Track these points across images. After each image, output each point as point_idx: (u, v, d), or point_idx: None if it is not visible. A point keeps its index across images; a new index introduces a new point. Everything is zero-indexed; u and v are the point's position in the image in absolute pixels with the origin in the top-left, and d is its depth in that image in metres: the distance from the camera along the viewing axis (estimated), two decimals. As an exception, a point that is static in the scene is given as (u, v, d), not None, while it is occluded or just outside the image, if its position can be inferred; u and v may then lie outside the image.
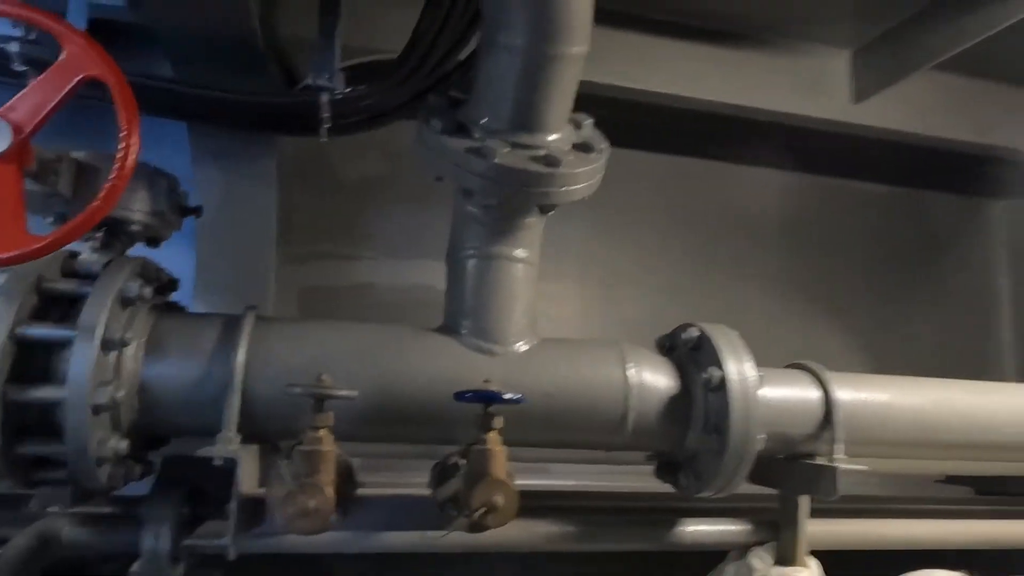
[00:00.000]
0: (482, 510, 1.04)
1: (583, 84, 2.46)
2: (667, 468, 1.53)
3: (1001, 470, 2.02)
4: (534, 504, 1.57)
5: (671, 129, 2.92)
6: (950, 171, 3.24)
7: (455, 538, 1.29)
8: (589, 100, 2.53)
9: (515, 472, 1.15)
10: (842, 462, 1.42)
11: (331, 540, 1.29)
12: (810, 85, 2.67)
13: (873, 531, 1.64)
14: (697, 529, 1.55)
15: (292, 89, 1.93)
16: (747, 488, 1.63)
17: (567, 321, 3.04)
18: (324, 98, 1.74)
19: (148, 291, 1.24)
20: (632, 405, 1.38)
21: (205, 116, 1.88)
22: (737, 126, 2.73)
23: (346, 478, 1.10)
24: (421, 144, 1.34)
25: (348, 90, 1.81)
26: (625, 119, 2.85)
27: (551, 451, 1.67)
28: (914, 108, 2.74)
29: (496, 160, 1.24)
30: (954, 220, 3.57)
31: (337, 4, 1.70)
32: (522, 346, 1.39)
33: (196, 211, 1.51)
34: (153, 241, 1.41)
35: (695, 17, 2.50)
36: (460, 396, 1.13)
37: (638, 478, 1.76)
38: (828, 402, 1.48)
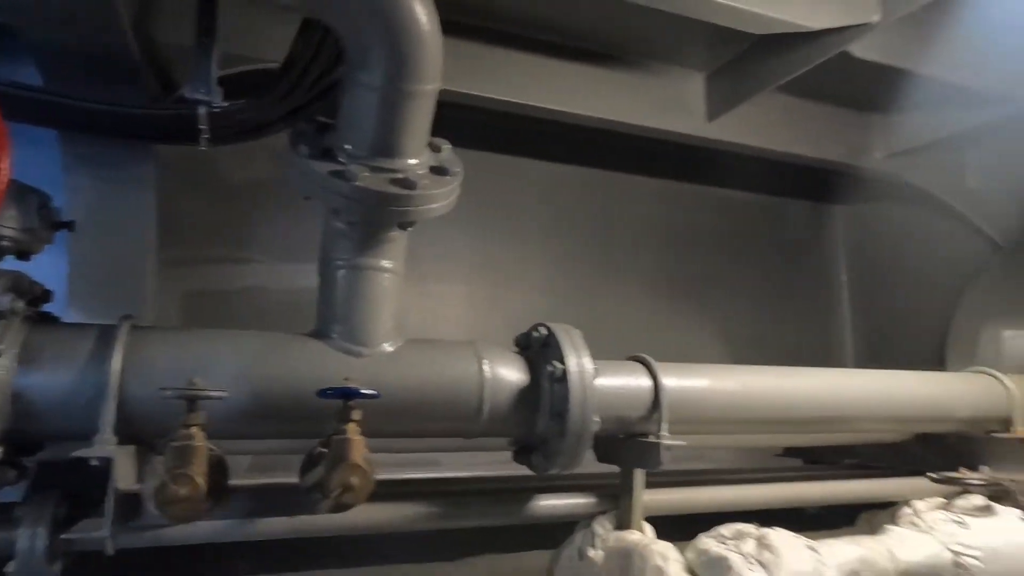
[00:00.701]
0: (339, 491, 1.19)
1: (473, 97, 2.63)
2: (523, 451, 1.73)
3: (810, 441, 2.37)
4: (403, 490, 1.75)
5: (552, 139, 3.15)
6: (797, 181, 3.65)
7: (325, 521, 1.44)
8: (478, 111, 2.71)
9: (375, 461, 1.31)
10: (666, 439, 1.68)
11: (208, 531, 1.40)
12: (670, 104, 2.96)
13: (699, 497, 1.91)
14: (549, 503, 1.77)
15: (169, 98, 1.95)
16: (598, 467, 1.88)
17: (455, 321, 3.22)
18: (202, 111, 1.79)
19: (20, 304, 1.30)
20: (486, 396, 1.57)
21: (77, 125, 1.87)
22: (609, 138, 2.98)
23: (217, 470, 1.22)
24: (291, 167, 1.47)
25: (227, 104, 1.87)
26: (511, 129, 3.07)
27: (441, 443, 1.85)
28: (759, 125, 3.09)
29: (357, 183, 1.39)
30: (803, 224, 4.03)
31: (214, 19, 1.74)
32: (388, 347, 1.55)
33: (68, 225, 1.55)
34: (23, 255, 1.46)
35: (572, 38, 2.72)
36: (323, 393, 1.28)
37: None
38: (656, 388, 1.73)
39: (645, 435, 1.75)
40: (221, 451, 1.26)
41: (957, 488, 1.89)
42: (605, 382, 1.71)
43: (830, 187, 3.72)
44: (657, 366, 1.77)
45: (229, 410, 1.32)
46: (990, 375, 2.20)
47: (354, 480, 1.20)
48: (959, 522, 1.72)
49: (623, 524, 1.74)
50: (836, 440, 2.46)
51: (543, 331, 1.70)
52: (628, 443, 1.77)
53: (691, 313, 3.48)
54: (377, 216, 1.45)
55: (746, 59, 2.77)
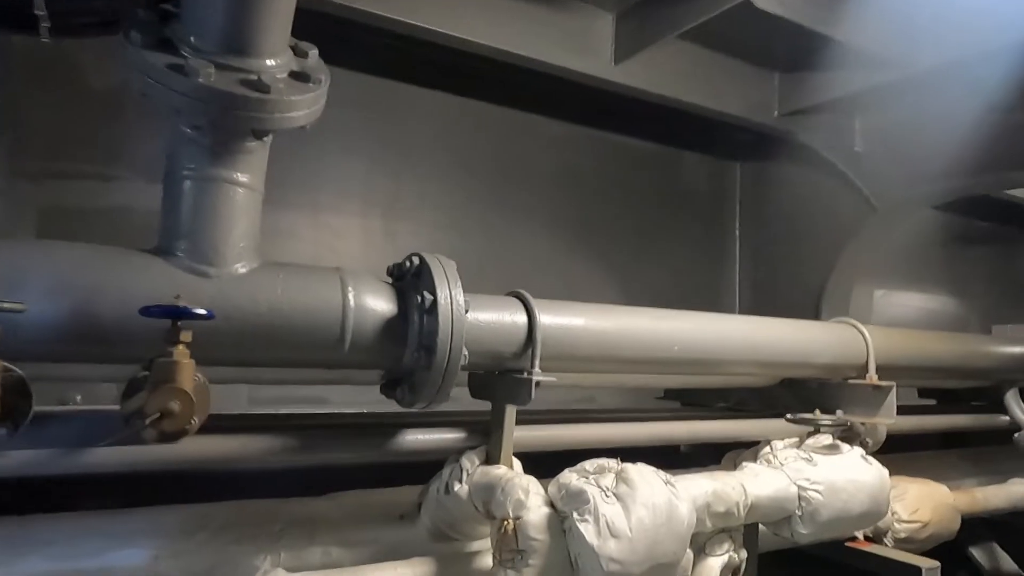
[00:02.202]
0: (156, 416, 1.09)
1: (362, 14, 2.44)
2: (390, 385, 1.67)
3: (686, 383, 2.45)
4: (257, 424, 1.66)
5: (454, 71, 3.01)
6: (698, 134, 3.70)
7: (160, 452, 1.34)
8: (376, 32, 2.53)
9: (210, 388, 1.20)
10: (537, 375, 1.66)
11: (20, 462, 1.26)
12: (577, 42, 2.88)
13: (570, 434, 1.93)
14: (416, 438, 1.73)
15: (1, -23, 1.70)
16: (476, 405, 1.85)
17: (349, 254, 3.10)
18: (36, -7, 1.56)
19: None
20: (349, 325, 1.49)
21: None
22: (513, 73, 2.88)
23: (16, 392, 1.08)
24: (124, 58, 1.29)
25: (68, -13, 1.64)
26: (412, 55, 2.90)
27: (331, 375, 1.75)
28: (665, 73, 3.07)
29: (200, 80, 1.23)
30: (703, 178, 4.11)
31: None
32: (240, 268, 1.42)
33: None
34: None
35: (477, -40, 2.57)
36: (146, 311, 1.15)
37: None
38: (531, 325, 1.70)
39: (519, 371, 1.72)
40: (23, 373, 1.12)
41: (811, 428, 2.00)
42: (480, 316, 1.66)
43: (730, 143, 3.80)
44: (534, 302, 1.73)
45: (40, 328, 1.17)
46: (851, 325, 2.32)
47: (174, 405, 1.10)
48: (807, 459, 1.82)
49: (492, 459, 1.73)
50: (710, 383, 2.55)
51: (415, 260, 1.62)
52: (501, 379, 1.74)
53: (587, 257, 3.50)
54: (225, 121, 1.31)
55: (655, 0, 2.72)
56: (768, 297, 3.94)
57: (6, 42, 2.25)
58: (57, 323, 1.20)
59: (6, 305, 1.04)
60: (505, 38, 2.69)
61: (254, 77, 1.29)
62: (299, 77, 1.38)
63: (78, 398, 2.11)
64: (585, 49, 2.89)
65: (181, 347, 1.15)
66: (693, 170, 4.04)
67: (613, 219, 3.65)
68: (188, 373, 1.14)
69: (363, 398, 2.45)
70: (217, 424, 1.64)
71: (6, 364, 1.06)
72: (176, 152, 1.40)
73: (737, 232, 4.16)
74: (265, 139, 1.41)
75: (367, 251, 3.12)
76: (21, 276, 1.21)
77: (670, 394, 2.92)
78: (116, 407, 1.20)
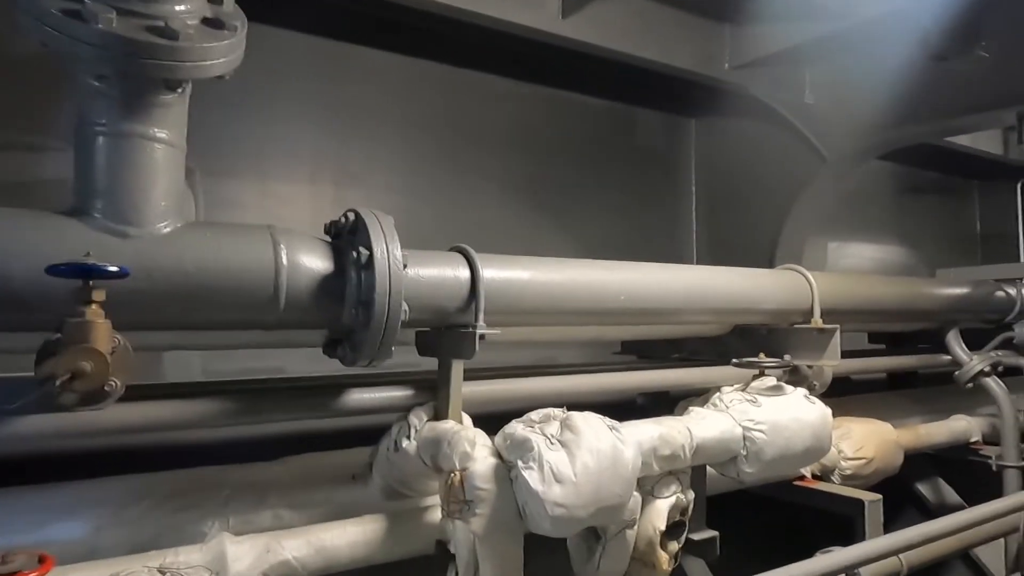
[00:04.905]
0: (67, 376, 1.05)
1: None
2: (331, 344, 1.64)
3: (639, 334, 2.47)
4: (195, 389, 1.62)
5: (399, 28, 2.93)
6: (651, 90, 3.67)
7: (87, 419, 1.30)
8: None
9: (132, 352, 1.16)
10: (481, 328, 1.65)
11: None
12: (523, -6, 2.81)
13: (519, 388, 1.93)
14: (362, 396, 1.71)
15: None
16: (426, 363, 1.83)
17: (297, 221, 3.01)
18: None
19: None
20: (283, 284, 1.45)
21: None
22: (459, 30, 2.81)
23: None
24: (15, 5, 1.21)
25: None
26: (355, 14, 2.80)
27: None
28: (613, 26, 3.04)
29: (99, 26, 1.17)
30: (659, 134, 4.10)
31: None
32: (163, 228, 1.37)
33: None
34: None
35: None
36: (53, 269, 1.10)
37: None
38: (474, 279, 1.68)
39: (465, 326, 1.71)
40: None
41: (756, 372, 2.03)
42: (421, 272, 1.63)
43: (684, 99, 3.79)
44: (477, 257, 1.71)
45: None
46: (797, 271, 2.35)
47: (86, 365, 1.06)
48: (751, 401, 1.85)
49: (440, 415, 1.72)
50: (664, 334, 2.58)
51: (351, 216, 1.58)
52: (446, 334, 1.72)
53: (542, 215, 3.49)
54: (132, 70, 1.24)
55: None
56: (724, 251, 3.98)
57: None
58: (-38, 288, 1.15)
59: None
60: (452, -8, 2.62)
61: (161, 23, 1.23)
62: (212, 24, 1.32)
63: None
64: (532, 3, 2.83)
65: (94, 307, 1.11)
66: (647, 126, 4.03)
67: (568, 177, 3.63)
68: (102, 333, 1.10)
69: (318, 366, 2.43)
70: (162, 391, 1.61)
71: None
72: (85, 106, 1.33)
73: (693, 187, 4.18)
74: (180, 91, 1.34)
75: (316, 218, 3.03)
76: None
77: (627, 348, 2.94)
78: (27, 374, 1.16)
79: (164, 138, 1.37)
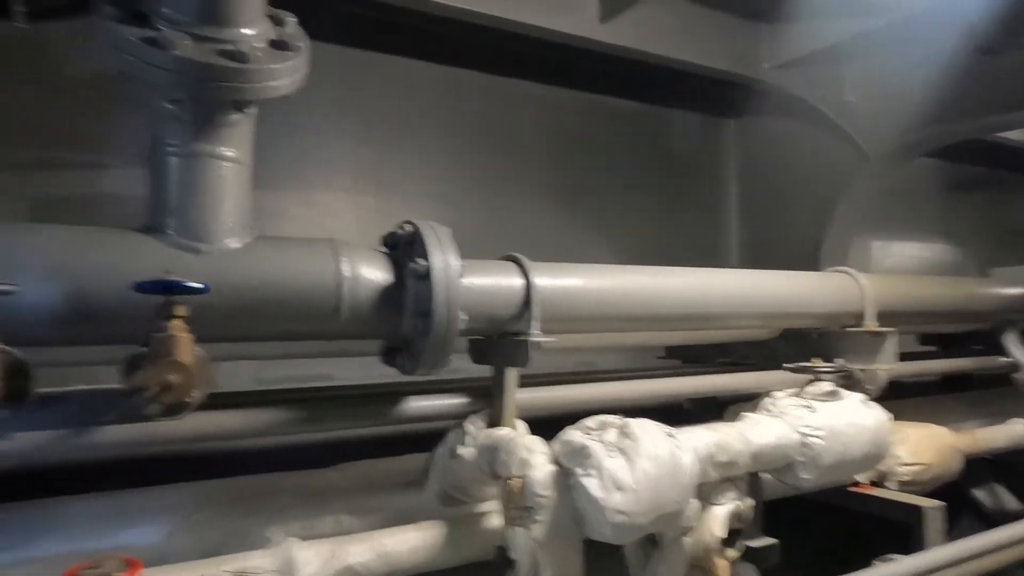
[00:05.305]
0: (157, 389, 1.09)
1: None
2: (390, 353, 1.68)
3: (686, 340, 2.46)
4: (260, 398, 1.67)
5: (436, 39, 2.97)
6: (689, 92, 3.65)
7: (165, 429, 1.34)
8: (354, 2, 2.47)
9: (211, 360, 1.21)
10: (535, 336, 1.66)
11: (26, 446, 1.27)
12: (560, 2, 2.83)
13: (571, 394, 1.95)
14: (420, 404, 1.74)
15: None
16: (479, 371, 1.85)
17: (341, 231, 3.06)
18: (5, -26, 1.54)
19: None
20: (345, 295, 1.49)
21: None
22: (496, 39, 2.84)
23: (15, 374, 1.09)
24: (97, 35, 1.27)
25: (37, -32, 1.62)
26: (393, 26, 2.85)
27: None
28: (652, 30, 3.03)
29: (176, 52, 1.22)
30: (696, 137, 4.07)
31: None
32: (232, 243, 1.42)
33: None
34: None
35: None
36: (140, 287, 1.15)
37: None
38: (528, 287, 1.70)
39: (518, 334, 1.73)
40: (22, 354, 1.12)
41: (810, 377, 2.01)
42: (476, 281, 1.66)
43: (722, 100, 3.76)
44: (530, 265, 1.73)
45: (35, 311, 1.17)
46: (847, 274, 2.32)
47: (173, 378, 1.10)
48: (807, 406, 1.83)
49: (495, 423, 1.74)
50: (710, 339, 2.57)
51: (409, 228, 1.61)
52: (500, 342, 1.74)
53: (581, 220, 3.49)
54: (205, 93, 1.29)
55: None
56: (765, 253, 3.93)
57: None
58: (52, 305, 1.20)
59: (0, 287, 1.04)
60: (487, 2, 2.65)
61: (231, 47, 1.27)
62: (278, 45, 1.36)
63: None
64: (570, 8, 2.85)
65: (176, 321, 1.16)
66: (685, 128, 4.00)
67: (605, 181, 3.62)
68: (186, 346, 1.15)
69: (367, 372, 2.47)
70: (221, 400, 1.66)
71: (3, 346, 1.06)
72: (159, 129, 1.38)
73: (732, 189, 4.13)
74: (248, 111, 1.39)
75: (359, 227, 3.10)
76: (12, 259, 1.20)
77: (672, 353, 2.93)
78: (117, 387, 1.21)
79: (232, 156, 1.41)
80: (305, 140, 2.96)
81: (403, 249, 1.61)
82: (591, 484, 1.46)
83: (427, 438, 1.85)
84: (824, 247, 3.64)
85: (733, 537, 1.75)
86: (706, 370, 2.42)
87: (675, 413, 2.45)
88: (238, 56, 1.26)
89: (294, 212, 2.99)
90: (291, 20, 1.44)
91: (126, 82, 1.36)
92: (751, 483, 1.82)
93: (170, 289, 1.15)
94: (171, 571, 1.35)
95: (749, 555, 1.80)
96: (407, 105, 3.14)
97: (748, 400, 2.23)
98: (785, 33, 3.28)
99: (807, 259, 3.64)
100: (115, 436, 1.35)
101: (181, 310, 1.17)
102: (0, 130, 2.38)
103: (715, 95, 3.63)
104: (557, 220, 3.42)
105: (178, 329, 1.15)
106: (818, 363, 1.99)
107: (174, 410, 1.15)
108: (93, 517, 1.55)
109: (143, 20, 1.25)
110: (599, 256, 3.54)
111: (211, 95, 1.30)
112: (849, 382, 2.24)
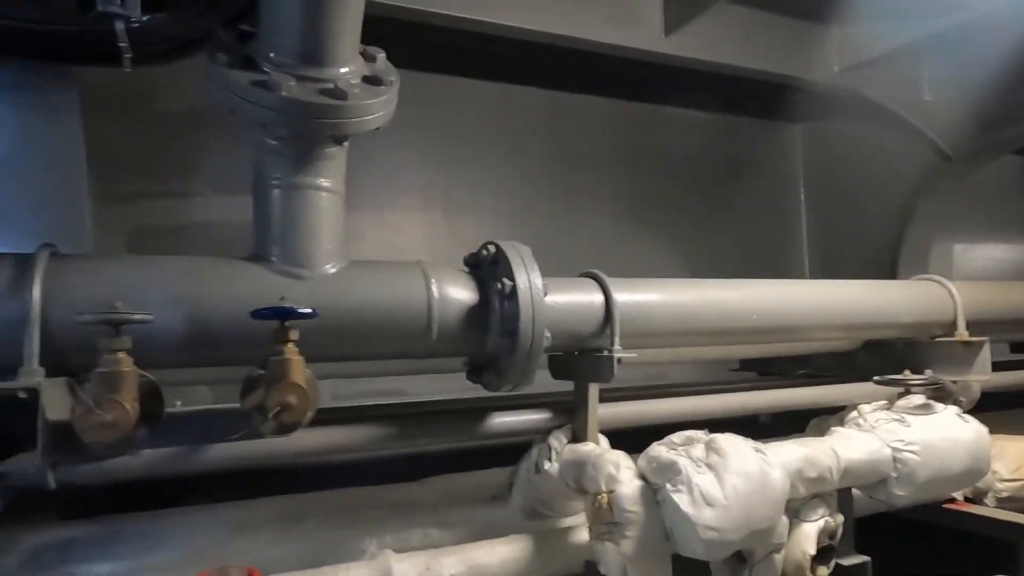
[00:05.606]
0: (277, 410, 1.17)
1: (408, 11, 2.48)
2: (475, 370, 1.72)
3: (763, 352, 2.42)
4: (354, 415, 1.74)
5: (501, 59, 3.03)
6: (754, 99, 3.61)
7: (272, 446, 1.43)
8: (426, 29, 2.56)
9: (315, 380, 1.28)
10: (618, 352, 1.68)
11: (151, 460, 1.37)
12: (624, 16, 2.85)
13: (652, 409, 1.95)
14: (504, 420, 1.78)
15: (86, 15, 1.82)
16: (557, 386, 1.88)
17: (412, 250, 3.16)
18: (120, 26, 1.67)
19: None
20: (435, 315, 1.55)
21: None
22: (560, 55, 2.88)
23: (150, 397, 1.18)
24: (209, 79, 1.37)
25: (146, 18, 1.74)
26: (460, 49, 2.93)
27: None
28: (716, 39, 3.01)
29: (283, 93, 1.30)
30: (762, 143, 4.00)
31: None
32: (330, 269, 1.50)
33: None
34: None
35: (517, -54, 2.57)
36: (257, 313, 1.23)
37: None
38: (608, 303, 1.72)
39: (599, 350, 1.75)
40: (155, 378, 1.21)
41: (900, 390, 1.95)
42: (557, 299, 1.69)
43: (789, 105, 3.69)
44: (609, 281, 1.75)
45: (161, 337, 1.27)
46: (936, 282, 2.25)
47: (292, 399, 1.18)
48: (899, 420, 1.78)
49: (579, 437, 1.77)
50: (789, 351, 2.51)
51: (492, 249, 1.66)
52: (582, 358, 1.77)
53: (648, 233, 3.48)
54: (307, 129, 1.38)
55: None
56: (837, 261, 3.83)
57: (84, 74, 2.39)
58: (176, 331, 1.30)
59: (136, 316, 1.13)
60: (550, 21, 2.69)
61: (331, 85, 1.35)
62: (371, 81, 1.44)
63: (178, 403, 2.27)
64: (634, 23, 2.86)
65: (291, 345, 1.23)
66: (750, 136, 3.94)
67: (674, 193, 3.60)
68: (300, 369, 1.22)
69: (439, 387, 2.53)
70: (318, 417, 1.74)
71: (141, 371, 1.16)
72: (262, 163, 1.48)
73: (802, 196, 4.04)
74: (344, 144, 1.47)
75: (431, 246, 3.18)
76: (142, 289, 1.31)
77: (746, 365, 2.88)
78: (232, 406, 1.29)
79: (329, 187, 1.50)
80: (374, 161, 3.07)
81: (487, 269, 1.66)
82: (681, 500, 1.46)
83: (503, 451, 1.89)
84: (903, 252, 3.52)
85: (824, 555, 1.71)
86: (786, 383, 2.37)
87: (752, 426, 2.41)
88: (338, 94, 1.34)
89: (369, 232, 3.10)
90: (381, 56, 1.52)
91: (231, 121, 1.45)
92: (842, 499, 1.78)
93: (285, 315, 1.23)
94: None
95: (840, 573, 1.75)
96: (473, 124, 3.21)
97: (831, 413, 2.18)
98: (856, 34, 3.20)
99: (883, 265, 3.52)
100: (225, 453, 1.45)
101: (294, 334, 1.25)
102: (103, 166, 2.57)
103: (782, 100, 3.57)
104: (624, 233, 3.42)
105: (292, 352, 1.23)
106: (908, 376, 1.93)
107: (288, 428, 1.22)
108: (203, 527, 1.65)
109: (251, 64, 1.35)
110: (668, 268, 3.52)
111: (313, 131, 1.38)
112: (940, 394, 2.16)
